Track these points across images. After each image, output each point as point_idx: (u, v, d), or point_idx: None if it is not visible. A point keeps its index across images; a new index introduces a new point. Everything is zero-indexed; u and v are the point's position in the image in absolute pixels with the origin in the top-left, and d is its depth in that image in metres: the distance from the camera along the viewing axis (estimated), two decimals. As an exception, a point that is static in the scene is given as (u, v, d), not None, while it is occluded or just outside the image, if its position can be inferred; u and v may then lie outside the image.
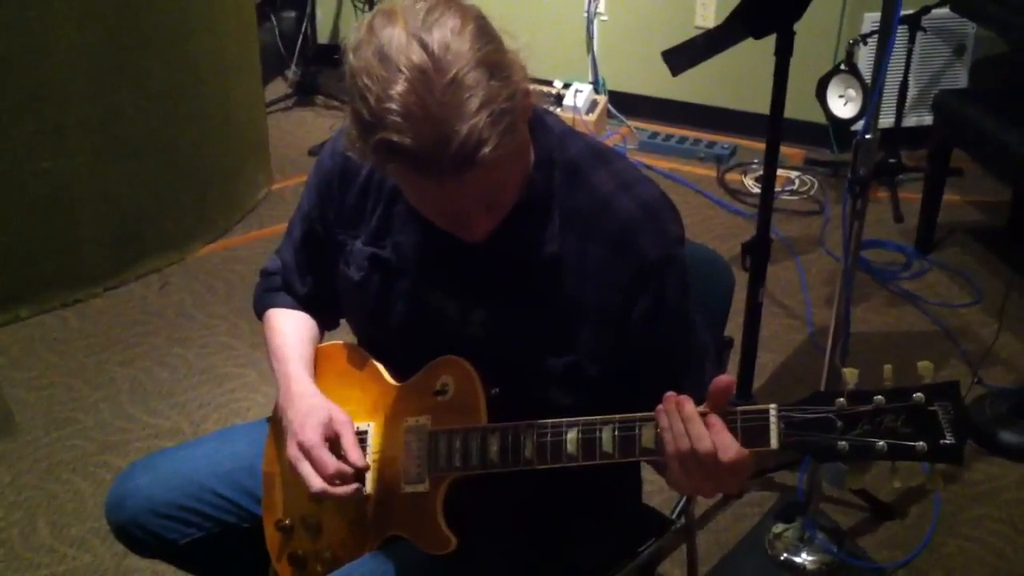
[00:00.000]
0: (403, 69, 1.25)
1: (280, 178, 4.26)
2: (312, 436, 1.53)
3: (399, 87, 1.24)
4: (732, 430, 1.31)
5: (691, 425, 1.31)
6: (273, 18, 5.05)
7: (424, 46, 1.25)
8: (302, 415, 1.57)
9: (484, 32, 1.30)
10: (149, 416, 3.00)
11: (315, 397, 1.61)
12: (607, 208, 1.47)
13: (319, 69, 5.10)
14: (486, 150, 1.25)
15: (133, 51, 3.37)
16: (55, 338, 3.32)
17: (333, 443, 1.55)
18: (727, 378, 1.32)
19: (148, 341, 3.32)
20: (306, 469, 1.52)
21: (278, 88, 5.01)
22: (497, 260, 1.50)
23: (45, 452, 2.86)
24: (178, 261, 3.70)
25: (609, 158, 1.54)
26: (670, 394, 1.34)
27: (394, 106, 1.24)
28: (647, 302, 1.49)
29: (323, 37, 5.28)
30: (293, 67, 5.09)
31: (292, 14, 5.12)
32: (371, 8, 4.56)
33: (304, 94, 4.98)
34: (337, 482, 1.52)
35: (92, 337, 3.32)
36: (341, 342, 1.73)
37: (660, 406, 1.34)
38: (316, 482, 1.51)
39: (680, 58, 2.32)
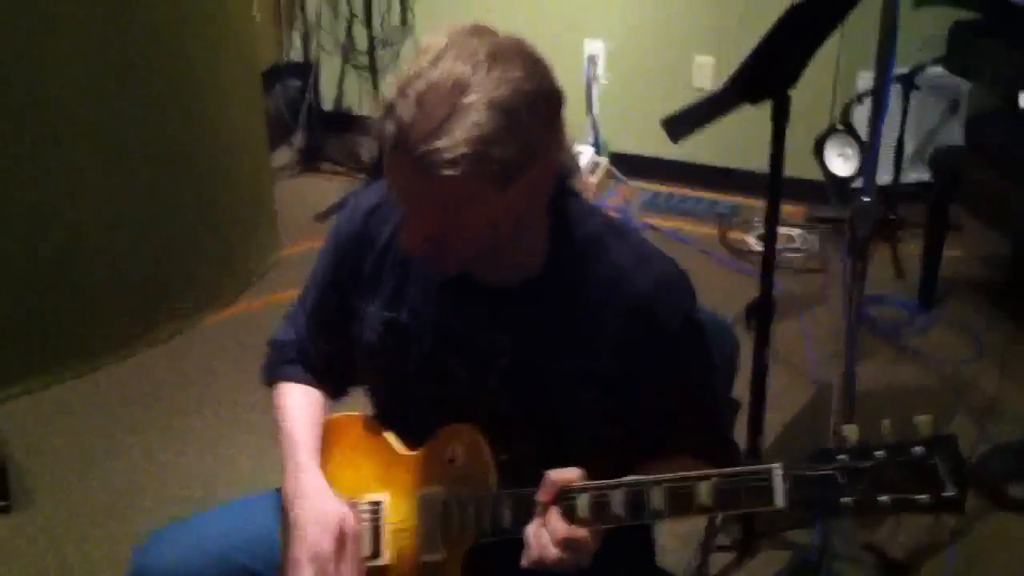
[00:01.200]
0: (449, 68, 1.34)
1: (288, 244, 4.30)
2: (326, 548, 1.56)
3: (436, 75, 1.33)
4: (736, 491, 1.34)
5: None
6: (277, 87, 5.12)
7: (476, 66, 1.34)
8: (312, 516, 1.60)
9: (533, 97, 1.37)
10: (160, 484, 3.02)
11: (326, 498, 1.63)
12: (625, 280, 1.53)
13: (324, 136, 5.16)
14: (452, 172, 1.32)
15: (142, 120, 3.43)
16: (67, 409, 3.34)
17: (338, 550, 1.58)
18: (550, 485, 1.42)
19: (159, 410, 3.34)
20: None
21: (284, 155, 5.07)
22: (512, 328, 1.55)
23: (59, 521, 2.87)
24: (188, 330, 3.73)
25: (627, 233, 1.60)
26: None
27: (421, 85, 1.33)
28: (661, 368, 1.54)
29: (327, 105, 5.35)
30: (299, 134, 5.15)
31: (296, 83, 5.19)
32: (374, 77, 4.68)
33: (310, 161, 5.03)
34: None
35: (103, 407, 3.35)
36: (354, 414, 1.76)
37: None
38: None
39: (679, 125, 2.37)
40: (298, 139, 5.15)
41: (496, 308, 1.56)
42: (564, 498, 1.44)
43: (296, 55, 5.25)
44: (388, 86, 1.40)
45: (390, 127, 1.35)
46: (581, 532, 1.41)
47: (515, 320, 1.55)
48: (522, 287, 1.55)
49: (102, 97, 3.29)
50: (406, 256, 1.61)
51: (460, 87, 1.32)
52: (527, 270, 1.55)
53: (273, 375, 1.82)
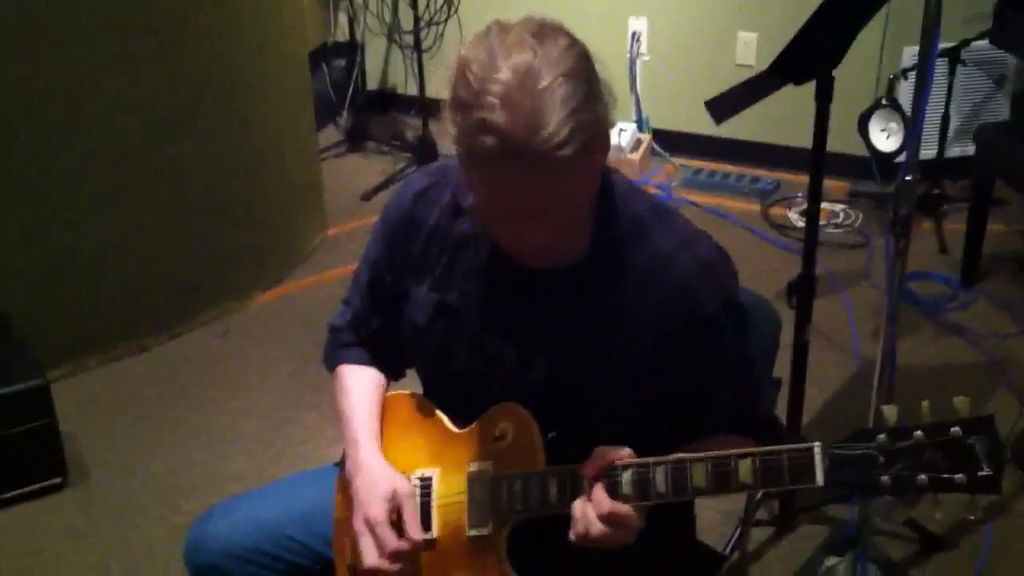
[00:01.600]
0: (510, 64, 1.35)
1: (334, 224, 4.36)
2: (379, 513, 1.62)
3: (503, 74, 1.35)
4: (779, 468, 1.38)
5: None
6: (324, 66, 5.17)
7: (533, 51, 1.36)
8: (368, 487, 1.66)
9: (587, 59, 1.41)
10: (215, 460, 3.10)
11: (381, 468, 1.69)
12: (668, 264, 1.57)
13: (369, 116, 5.22)
14: (566, 152, 1.35)
15: (188, 108, 3.49)
16: (122, 386, 3.43)
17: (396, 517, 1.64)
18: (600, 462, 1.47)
19: (212, 387, 3.42)
20: (367, 544, 1.62)
21: (330, 135, 5.13)
22: (560, 309, 1.59)
23: (116, 498, 2.96)
24: (239, 309, 3.81)
25: (670, 216, 1.64)
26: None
27: (496, 88, 1.34)
28: (703, 350, 1.58)
29: (372, 84, 5.40)
30: (344, 114, 5.21)
31: (342, 62, 5.24)
32: (419, 57, 4.72)
33: (355, 140, 5.09)
34: (391, 558, 1.61)
35: (158, 385, 3.43)
36: (407, 392, 1.82)
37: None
38: (372, 558, 1.61)
39: (723, 106, 2.39)
40: (344, 119, 5.21)
41: (543, 291, 1.60)
42: (608, 475, 1.49)
43: (342, 35, 5.30)
44: (452, 104, 1.40)
45: (488, 140, 1.34)
46: (624, 508, 1.46)
47: (561, 303, 1.60)
48: (568, 270, 1.59)
49: (149, 78, 3.35)
50: (457, 241, 1.66)
51: (532, 74, 1.34)
52: (574, 254, 1.59)
53: (333, 360, 1.88)
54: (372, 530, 1.62)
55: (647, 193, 1.69)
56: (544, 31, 1.39)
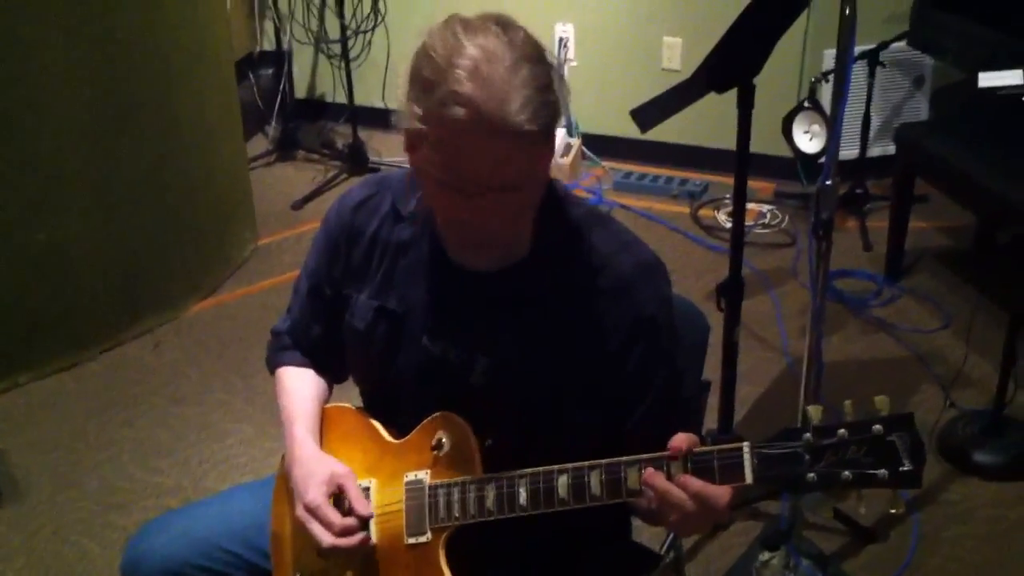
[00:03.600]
0: (476, 42, 1.41)
1: (266, 233, 4.35)
2: (316, 496, 1.63)
3: (470, 51, 1.40)
4: (709, 468, 1.42)
5: (668, 496, 1.44)
6: (251, 76, 5.15)
7: (498, 35, 1.42)
8: (305, 477, 1.68)
9: (545, 51, 1.47)
10: (151, 475, 3.08)
11: (316, 458, 1.71)
12: (608, 266, 1.60)
13: (298, 124, 5.20)
14: (533, 127, 1.39)
15: (121, 117, 3.47)
16: (55, 403, 3.39)
17: (338, 498, 1.65)
18: (681, 442, 1.45)
19: (146, 401, 3.40)
20: (316, 528, 1.62)
21: (259, 144, 5.11)
22: (501, 309, 1.62)
23: (51, 515, 2.93)
24: (171, 320, 3.78)
25: (607, 221, 1.68)
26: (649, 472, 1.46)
27: (464, 62, 1.39)
28: (641, 352, 1.61)
29: (300, 92, 5.39)
30: (273, 123, 5.19)
31: (270, 71, 5.23)
32: (347, 65, 4.72)
33: (285, 149, 5.08)
34: (344, 537, 1.61)
35: (91, 399, 3.40)
36: (343, 404, 1.83)
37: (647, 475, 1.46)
38: (327, 538, 1.61)
39: (648, 115, 2.44)
40: (273, 128, 5.19)
41: (484, 291, 1.63)
42: (546, 479, 1.52)
43: (269, 44, 5.30)
44: (416, 84, 1.43)
45: (459, 112, 1.38)
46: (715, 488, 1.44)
47: (502, 303, 1.62)
48: (509, 270, 1.61)
49: (79, 89, 3.32)
50: (397, 248, 1.68)
51: (498, 54, 1.39)
52: (515, 253, 1.62)
53: (273, 363, 1.90)
54: (314, 514, 1.63)
55: (582, 199, 1.73)
56: (504, 20, 1.45)
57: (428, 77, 1.41)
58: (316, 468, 1.68)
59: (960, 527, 2.78)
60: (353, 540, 1.61)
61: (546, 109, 1.41)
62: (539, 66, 1.42)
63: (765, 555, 2.62)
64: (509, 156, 1.42)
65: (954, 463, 2.97)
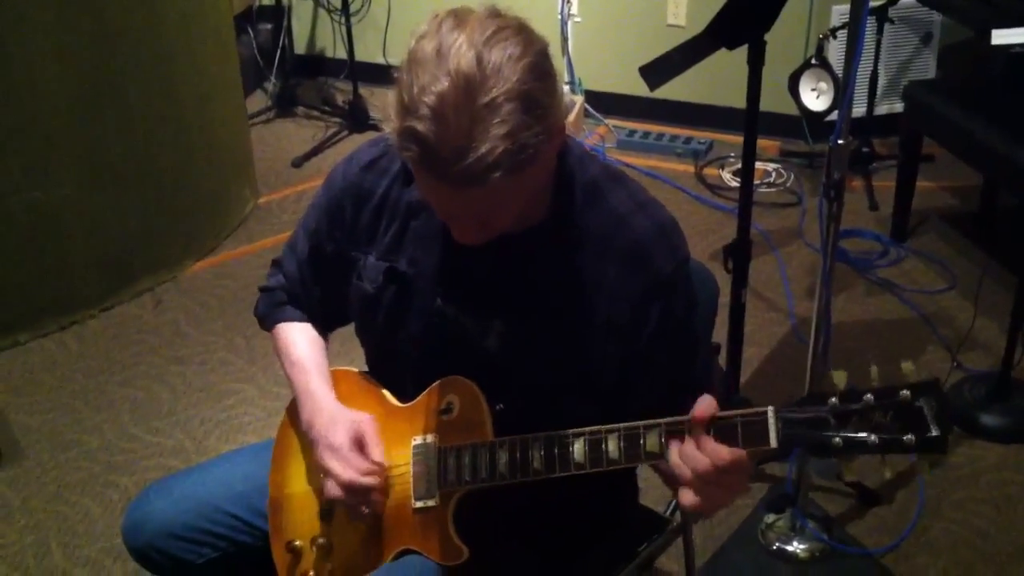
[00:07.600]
0: (451, 72, 1.30)
1: (266, 191, 4.31)
2: (340, 439, 1.63)
3: (442, 85, 1.30)
4: (732, 433, 1.39)
5: (690, 459, 1.40)
6: (250, 31, 5.09)
7: (479, 60, 1.31)
8: (327, 424, 1.67)
9: (538, 68, 1.35)
10: (152, 435, 3.06)
11: (338, 407, 1.70)
12: (623, 226, 1.56)
13: (298, 80, 5.16)
14: (496, 175, 1.31)
15: (114, 79, 3.43)
16: (54, 362, 3.37)
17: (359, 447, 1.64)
18: (706, 407, 1.40)
19: (146, 360, 3.38)
20: (335, 465, 1.61)
21: (258, 101, 5.06)
22: (514, 275, 1.59)
23: (52, 475, 2.92)
24: (170, 280, 3.76)
25: (624, 180, 1.63)
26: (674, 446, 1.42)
27: (431, 100, 1.30)
28: (657, 314, 1.57)
29: (300, 48, 5.34)
30: (272, 79, 5.14)
31: (269, 26, 5.16)
32: (347, 20, 4.66)
33: (284, 106, 5.03)
34: (361, 476, 1.60)
35: (90, 359, 3.38)
36: (348, 368, 1.80)
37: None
38: (345, 474, 1.60)
39: (656, 73, 2.40)
40: (272, 84, 5.14)
41: (499, 255, 1.58)
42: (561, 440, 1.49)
43: (268, -1, 5.23)
44: (394, 99, 1.35)
45: (413, 148, 1.32)
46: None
47: (517, 267, 1.59)
48: (525, 233, 1.57)
49: (73, 48, 3.28)
50: (408, 209, 1.64)
51: (472, 88, 1.29)
52: (531, 218, 1.57)
53: (272, 319, 1.87)
54: (336, 453, 1.62)
55: (599, 158, 1.68)
56: (497, 36, 1.33)
57: (401, 97, 1.34)
58: (339, 415, 1.68)
59: (966, 490, 2.76)
60: (369, 479, 1.60)
61: (518, 151, 1.31)
62: (520, 100, 1.30)
63: (771, 517, 2.62)
64: (462, 196, 1.36)
65: (960, 426, 2.95)
